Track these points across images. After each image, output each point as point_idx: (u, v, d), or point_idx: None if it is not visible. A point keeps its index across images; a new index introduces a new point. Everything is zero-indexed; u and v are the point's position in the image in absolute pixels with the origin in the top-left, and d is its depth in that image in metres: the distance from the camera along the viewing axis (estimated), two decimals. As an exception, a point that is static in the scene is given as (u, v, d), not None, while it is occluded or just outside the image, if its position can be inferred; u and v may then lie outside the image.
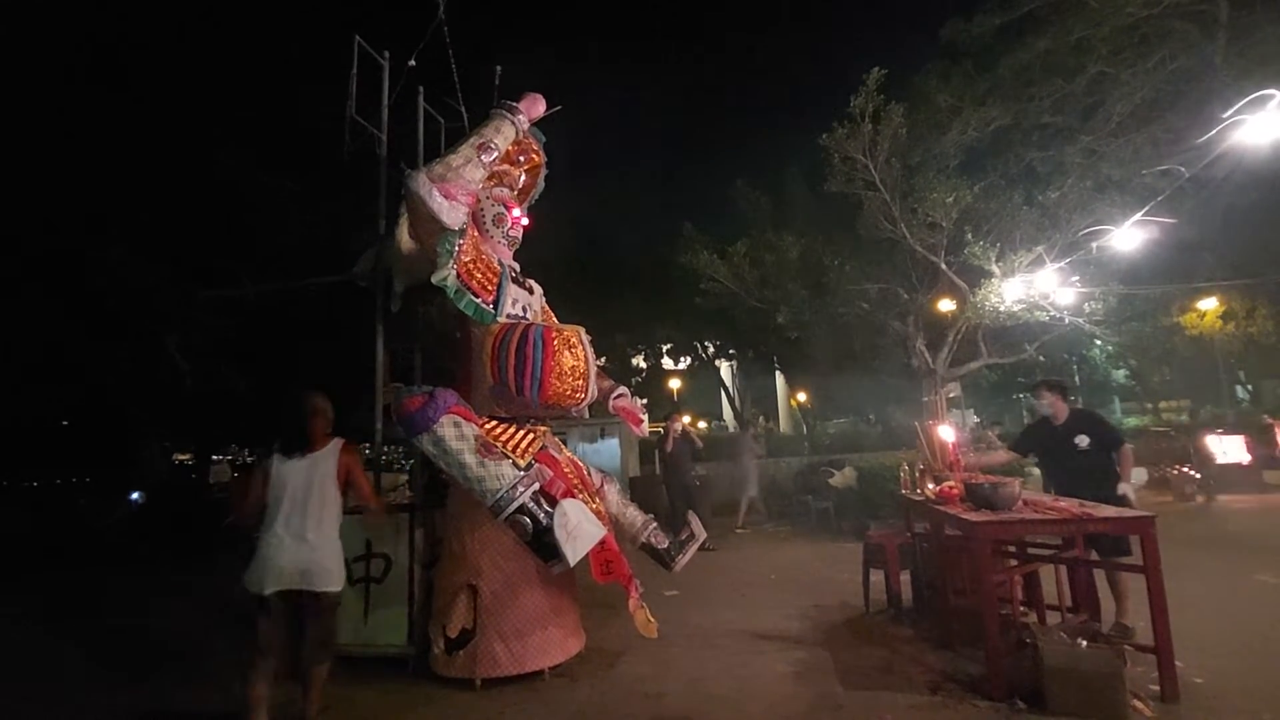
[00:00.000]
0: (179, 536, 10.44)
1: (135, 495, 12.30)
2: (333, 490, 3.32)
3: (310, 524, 3.23)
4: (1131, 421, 21.47)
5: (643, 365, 20.37)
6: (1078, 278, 9.18)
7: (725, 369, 22.85)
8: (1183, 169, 5.10)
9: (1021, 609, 4.31)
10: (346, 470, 3.38)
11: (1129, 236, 6.00)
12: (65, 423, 17.30)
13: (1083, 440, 4.24)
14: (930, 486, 4.46)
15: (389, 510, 4.46)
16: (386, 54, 5.24)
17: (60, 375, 11.06)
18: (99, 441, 15.38)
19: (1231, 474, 10.36)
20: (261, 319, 9.54)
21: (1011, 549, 4.26)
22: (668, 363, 21.65)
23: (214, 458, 21.19)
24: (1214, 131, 3.96)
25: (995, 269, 9.21)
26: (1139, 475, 11.49)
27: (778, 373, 23.11)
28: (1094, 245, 6.28)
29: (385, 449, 5.05)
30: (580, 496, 4.02)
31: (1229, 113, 3.78)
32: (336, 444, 3.40)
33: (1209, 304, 13.26)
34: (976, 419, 16.79)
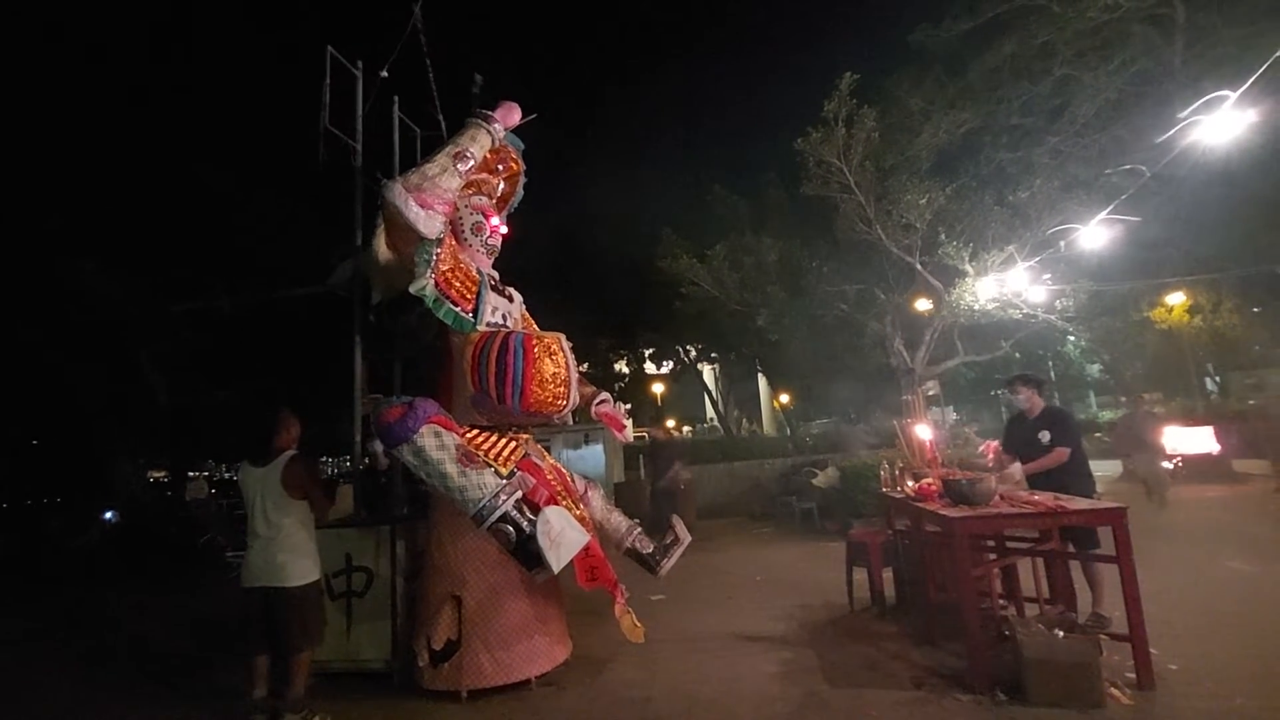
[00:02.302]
0: (155, 555, 10.23)
1: (109, 514, 12.02)
2: (280, 494, 3.61)
3: (261, 525, 3.61)
4: (1107, 415, 21.88)
5: (625, 370, 20.39)
6: (1049, 275, 9.39)
7: (708, 372, 22.95)
8: (1144, 169, 5.24)
9: (1001, 602, 4.37)
10: (293, 478, 3.63)
11: (1096, 234, 6.15)
12: (34, 442, 16.86)
13: (1045, 436, 4.33)
14: (910, 484, 4.52)
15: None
16: (359, 64, 5.22)
17: (29, 392, 10.80)
18: (70, 460, 15.00)
19: (1201, 464, 10.59)
20: (238, 332, 9.42)
21: (990, 543, 4.33)
22: (650, 367, 21.70)
23: (190, 474, 20.80)
24: (1173, 131, 4.09)
25: (969, 268, 9.40)
26: (1114, 468, 11.73)
27: (760, 375, 23.26)
28: (1063, 243, 6.42)
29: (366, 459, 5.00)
30: (564, 503, 4.01)
31: (1186, 112, 3.91)
32: (286, 455, 3.70)
33: (1176, 299, 13.63)
34: (955, 416, 17.04)
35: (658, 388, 23.98)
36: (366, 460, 5.27)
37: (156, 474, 21.58)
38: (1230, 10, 8.60)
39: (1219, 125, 3.84)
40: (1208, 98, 3.76)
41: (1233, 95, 3.62)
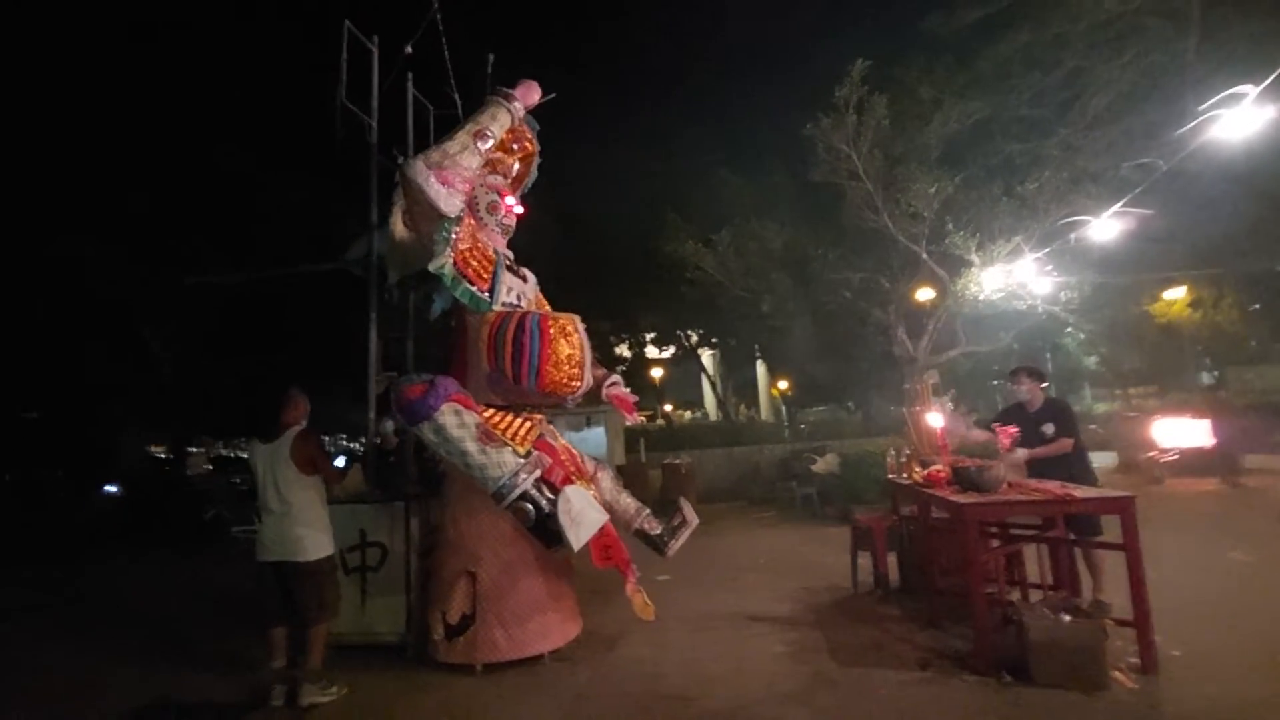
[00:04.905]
0: (159, 528, 10.29)
1: (111, 488, 12.06)
2: (290, 470, 3.64)
3: (273, 501, 3.64)
4: (1101, 407, 22.04)
5: (626, 354, 20.39)
6: (1051, 267, 9.40)
7: (707, 357, 22.98)
8: (1161, 162, 5.24)
9: (1005, 587, 4.45)
10: (302, 454, 3.66)
11: (1105, 227, 6.16)
12: (33, 414, 16.83)
13: (1049, 428, 4.39)
14: (918, 470, 4.58)
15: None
16: (375, 39, 5.17)
17: (31, 365, 10.76)
18: (72, 433, 14.98)
19: (1198, 457, 10.66)
20: (246, 308, 9.39)
21: (995, 529, 4.40)
22: (651, 351, 21.71)
23: (190, 449, 20.85)
24: (1190, 126, 4.09)
25: (975, 258, 9.41)
26: (1109, 459, 11.85)
27: (759, 361, 23.31)
28: (1073, 236, 6.43)
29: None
30: (578, 483, 4.06)
31: (1204, 107, 3.91)
32: (293, 431, 3.73)
33: (1178, 293, 13.69)
34: (951, 405, 17.12)
35: (657, 372, 24.00)
36: (379, 440, 5.31)
37: (156, 449, 21.62)
38: (1245, 5, 8.56)
39: (1237, 121, 3.85)
40: (1227, 93, 3.77)
41: (1253, 91, 3.63)
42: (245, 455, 3.88)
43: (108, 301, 9.52)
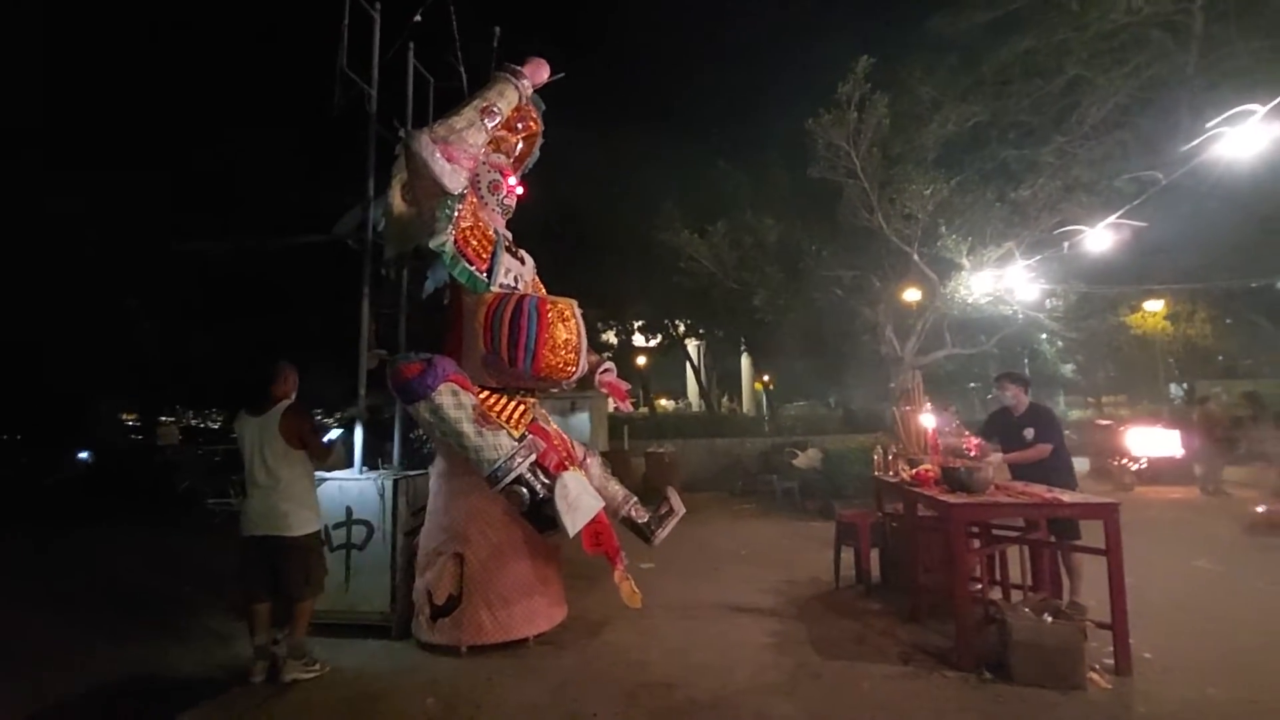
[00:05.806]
0: (130, 497, 10.09)
1: (84, 454, 11.79)
2: (279, 444, 3.60)
3: (261, 474, 3.59)
4: (1075, 414, 22.48)
5: (613, 341, 20.34)
6: (1034, 274, 9.50)
7: (693, 347, 23.01)
8: (1159, 175, 5.31)
9: (987, 586, 4.53)
10: (291, 428, 3.62)
11: (1099, 238, 6.23)
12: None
13: (1030, 433, 4.48)
14: (905, 469, 4.64)
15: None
16: (378, 5, 5.03)
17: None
18: (42, 399, 14.53)
19: (1164, 467, 10.93)
20: (231, 277, 9.16)
21: (978, 530, 4.47)
22: (638, 339, 21.68)
23: (161, 419, 20.46)
24: (1196, 142, 4.15)
25: (965, 262, 9.50)
26: (1081, 464, 12.11)
27: (744, 354, 23.40)
28: (1066, 244, 6.51)
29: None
30: (571, 469, 4.04)
31: (1211, 125, 3.96)
32: (282, 405, 3.69)
33: (1156, 305, 13.98)
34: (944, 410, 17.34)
35: (642, 359, 24.00)
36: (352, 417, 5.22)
37: (127, 417, 21.16)
38: (1247, 22, 8.67)
39: (1241, 139, 3.90)
40: (1233, 111, 3.81)
41: (1261, 110, 3.68)
42: (216, 426, 3.78)
43: (90, 264, 9.23)
